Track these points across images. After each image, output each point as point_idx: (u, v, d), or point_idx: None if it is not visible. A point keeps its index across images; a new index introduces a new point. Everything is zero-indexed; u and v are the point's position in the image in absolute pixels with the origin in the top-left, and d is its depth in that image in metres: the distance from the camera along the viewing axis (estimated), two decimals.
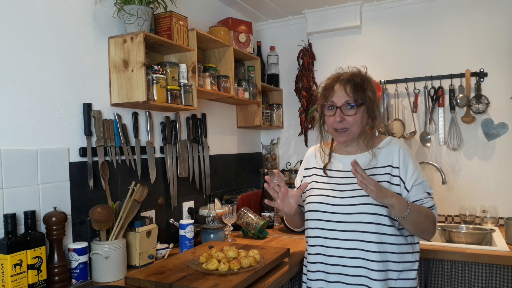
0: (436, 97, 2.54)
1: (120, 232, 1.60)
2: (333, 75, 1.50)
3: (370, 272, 1.38)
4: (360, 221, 1.40)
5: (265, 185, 1.48)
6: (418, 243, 1.50)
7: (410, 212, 1.34)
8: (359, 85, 1.43)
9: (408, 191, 1.43)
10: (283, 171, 2.97)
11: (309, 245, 1.53)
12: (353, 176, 1.45)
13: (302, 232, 1.65)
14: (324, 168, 1.55)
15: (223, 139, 2.64)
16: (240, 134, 2.85)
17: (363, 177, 1.29)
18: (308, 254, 1.53)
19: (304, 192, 1.59)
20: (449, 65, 2.54)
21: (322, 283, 1.47)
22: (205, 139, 2.36)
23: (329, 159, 1.56)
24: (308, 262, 1.53)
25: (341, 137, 1.47)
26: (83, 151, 1.63)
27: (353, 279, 1.40)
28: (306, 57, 2.89)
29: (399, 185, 1.44)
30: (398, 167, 1.44)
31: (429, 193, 1.46)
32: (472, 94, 2.46)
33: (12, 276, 1.27)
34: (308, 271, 1.53)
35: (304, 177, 1.64)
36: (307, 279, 1.53)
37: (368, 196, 1.38)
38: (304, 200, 1.59)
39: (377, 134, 1.54)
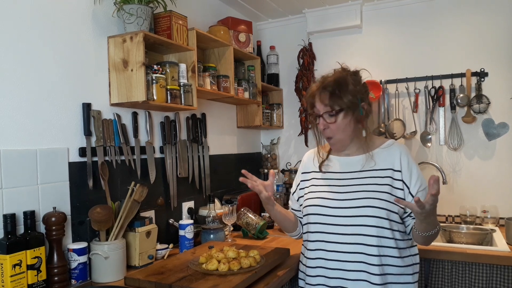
0: (436, 97, 2.54)
1: (120, 232, 1.59)
2: (316, 80, 1.49)
3: (371, 276, 1.36)
4: (361, 224, 1.38)
5: (242, 179, 1.47)
6: (415, 246, 1.49)
7: (436, 230, 1.33)
8: (333, 92, 1.40)
9: (413, 196, 1.40)
10: (283, 171, 2.97)
11: (308, 249, 1.50)
12: (353, 177, 1.45)
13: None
14: (320, 166, 1.53)
15: (223, 139, 2.64)
16: (240, 134, 2.84)
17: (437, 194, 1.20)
18: (308, 258, 1.50)
19: (302, 196, 1.58)
20: (449, 64, 2.53)
21: None
22: (205, 139, 2.36)
23: (327, 157, 1.55)
24: (307, 267, 1.49)
25: (332, 146, 1.50)
26: (82, 151, 1.63)
27: (354, 283, 1.38)
28: (306, 56, 2.88)
29: (402, 189, 1.41)
30: (400, 171, 1.42)
31: None
32: (473, 94, 2.46)
33: (11, 276, 1.27)
34: (307, 275, 1.49)
35: (301, 181, 1.61)
36: (306, 283, 1.50)
37: (369, 198, 1.37)
38: (301, 204, 1.57)
39: (364, 134, 1.50)
